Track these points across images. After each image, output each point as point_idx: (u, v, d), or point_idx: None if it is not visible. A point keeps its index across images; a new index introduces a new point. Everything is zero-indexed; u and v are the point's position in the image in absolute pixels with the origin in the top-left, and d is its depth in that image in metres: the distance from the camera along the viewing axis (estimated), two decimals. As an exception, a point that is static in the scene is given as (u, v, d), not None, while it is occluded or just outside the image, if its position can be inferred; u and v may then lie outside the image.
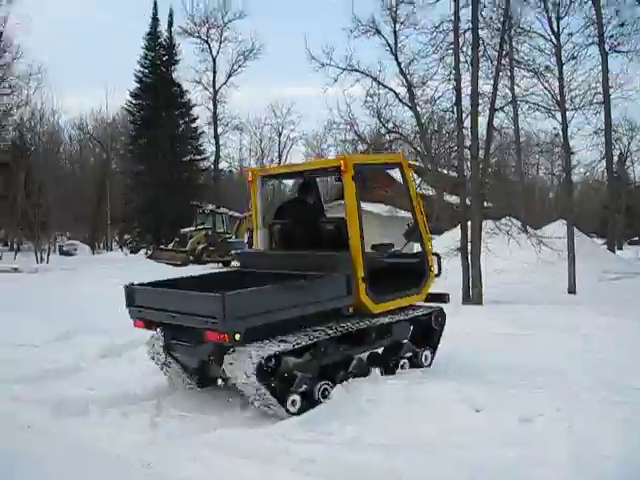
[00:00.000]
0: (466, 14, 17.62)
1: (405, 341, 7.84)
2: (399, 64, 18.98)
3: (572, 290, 18.73)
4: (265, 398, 6.09)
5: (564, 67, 20.84)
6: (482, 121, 18.28)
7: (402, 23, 18.83)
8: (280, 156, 72.57)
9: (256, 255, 8.30)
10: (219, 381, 6.89)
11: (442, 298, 8.25)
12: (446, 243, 18.71)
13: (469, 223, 17.23)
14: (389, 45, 19.10)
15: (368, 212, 33.68)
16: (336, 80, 19.30)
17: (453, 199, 23.32)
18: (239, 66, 48.62)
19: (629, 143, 45.57)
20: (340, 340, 6.86)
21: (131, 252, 39.65)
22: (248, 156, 74.18)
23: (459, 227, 18.30)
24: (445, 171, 22.08)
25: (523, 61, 19.10)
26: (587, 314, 12.87)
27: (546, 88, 20.94)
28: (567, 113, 20.56)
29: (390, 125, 20.18)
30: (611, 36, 26.12)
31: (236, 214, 38.79)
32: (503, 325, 11.55)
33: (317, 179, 8.75)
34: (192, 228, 33.50)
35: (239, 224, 35.42)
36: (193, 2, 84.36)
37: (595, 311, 12.03)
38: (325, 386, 6.52)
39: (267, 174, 8.72)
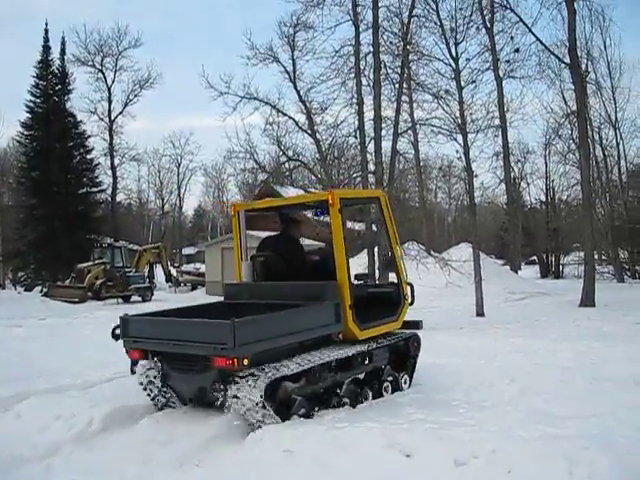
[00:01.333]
0: (367, 38, 17.57)
1: (386, 366, 8.10)
2: (298, 91, 18.73)
3: (480, 312, 18.66)
4: (270, 420, 6.26)
5: (464, 91, 20.95)
6: (385, 145, 18.18)
7: (300, 51, 18.62)
8: (179, 187, 71.61)
9: (242, 286, 8.40)
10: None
11: (416, 325, 8.66)
12: (352, 269, 18.39)
13: (376, 249, 16.96)
14: (288, 73, 18.85)
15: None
16: (235, 109, 18.95)
17: (358, 226, 23.11)
18: (135, 95, 47.71)
19: (523, 166, 46.77)
20: (330, 366, 7.07)
21: (25, 290, 37.56)
22: (147, 188, 72.85)
23: (363, 253, 18.01)
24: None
25: (424, 85, 19.08)
26: (500, 337, 12.71)
27: (447, 112, 21.02)
28: (468, 136, 20.58)
29: (290, 153, 19.87)
30: (507, 61, 26.61)
31: (135, 247, 37.59)
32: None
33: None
34: (90, 263, 32.00)
35: (139, 257, 34.25)
36: (86, 30, 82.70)
37: (507, 334, 11.80)
38: (321, 409, 6.87)
39: (250, 209, 8.98)
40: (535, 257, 56.11)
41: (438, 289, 21.67)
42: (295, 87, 18.77)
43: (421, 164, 33.21)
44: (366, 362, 7.72)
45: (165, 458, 5.76)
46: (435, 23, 20.46)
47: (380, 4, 17.48)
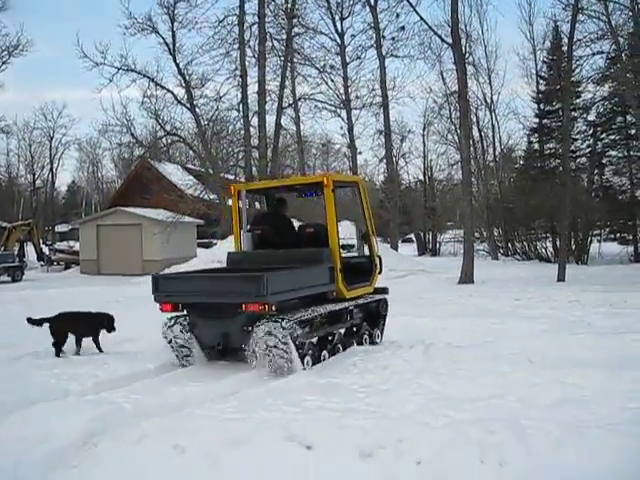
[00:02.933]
0: (252, 8, 16.94)
1: (362, 322, 9.72)
2: (177, 64, 17.98)
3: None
4: (291, 356, 7.66)
5: (349, 67, 20.73)
6: (269, 120, 17.69)
7: (181, 22, 17.82)
8: (52, 162, 68.47)
9: (244, 254, 9.68)
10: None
11: (384, 290, 10.32)
12: (230, 248, 17.91)
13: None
14: (167, 44, 18.02)
15: (150, 219, 32.14)
16: (111, 80, 18.05)
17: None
18: (3, 62, 44.80)
19: (402, 144, 47.31)
20: (327, 318, 8.68)
21: None
22: (16, 162, 69.27)
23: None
24: (230, 176, 21.25)
25: (310, 58, 18.67)
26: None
27: (331, 88, 20.74)
28: (352, 112, 20.39)
29: (169, 127, 19.09)
30: (392, 39, 26.59)
31: (4, 224, 35.56)
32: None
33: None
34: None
35: (8, 235, 32.44)
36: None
37: (392, 312, 11.55)
38: (325, 352, 8.52)
39: (249, 189, 10.50)
40: (412, 235, 57.09)
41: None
42: (174, 60, 18.05)
43: (303, 140, 32.96)
44: (348, 318, 9.27)
45: (37, 458, 5.06)
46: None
47: (267, -27, 16.91)
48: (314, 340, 8.35)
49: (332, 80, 20.63)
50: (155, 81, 18.20)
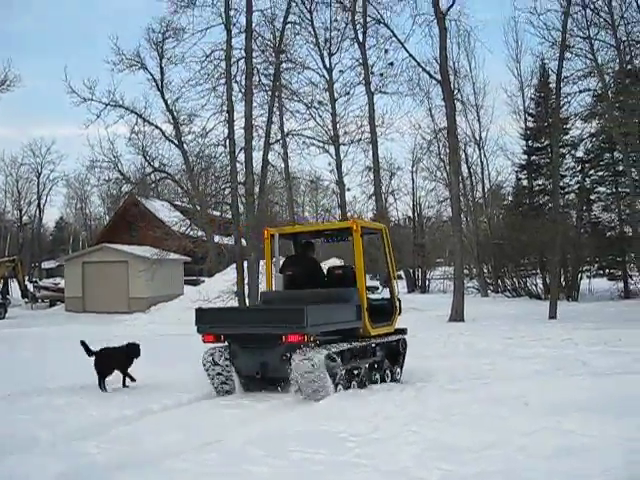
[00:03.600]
0: (240, 42, 16.80)
1: (384, 359, 10.22)
2: (165, 100, 17.74)
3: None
4: (326, 383, 8.31)
5: (337, 103, 20.57)
6: (256, 156, 17.44)
7: (169, 58, 17.64)
8: (39, 198, 67.99)
9: (277, 294, 10.30)
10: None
11: (403, 331, 10.80)
12: (218, 286, 17.53)
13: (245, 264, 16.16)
14: (155, 80, 17.80)
15: (136, 256, 31.65)
16: (98, 116, 17.72)
17: (227, 240, 22.18)
18: (-9, 98, 44.51)
19: (391, 182, 47.15)
20: (355, 352, 9.38)
21: None
22: (3, 197, 68.84)
23: (230, 268, 17.13)
24: (216, 212, 20.94)
25: (297, 93, 18.49)
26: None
27: (319, 124, 20.57)
28: (341, 148, 20.18)
29: (156, 164, 18.79)
30: (381, 74, 26.54)
31: (-11, 261, 35.11)
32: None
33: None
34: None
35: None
36: None
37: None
38: (354, 382, 9.07)
39: (282, 233, 10.83)
40: (401, 272, 56.70)
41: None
42: (162, 96, 17.79)
43: (291, 177, 32.77)
44: (373, 354, 9.91)
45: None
46: (310, 32, 19.99)
47: (254, 8, 16.77)
48: (343, 371, 8.88)
49: (320, 116, 20.49)
50: (143, 117, 18.00)
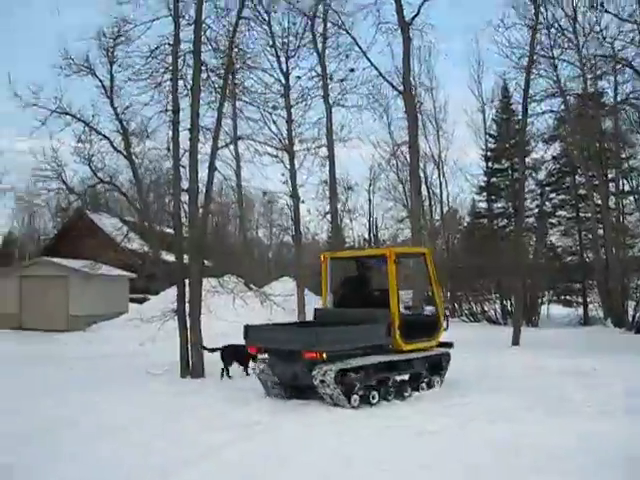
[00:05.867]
0: (188, 36, 15.29)
1: (423, 372, 11.27)
2: (114, 108, 16.13)
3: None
4: (338, 396, 9.55)
5: (293, 109, 19.19)
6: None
7: (120, 65, 16.08)
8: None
9: (328, 311, 11.74)
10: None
11: (449, 345, 11.84)
12: (160, 305, 15.95)
13: (187, 281, 14.59)
14: (104, 87, 16.20)
15: (77, 271, 29.44)
16: (44, 123, 16.01)
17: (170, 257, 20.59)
18: None
19: (347, 201, 45.88)
20: (382, 366, 10.35)
21: None
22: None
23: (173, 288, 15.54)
24: (169, 230, 19.45)
25: (250, 92, 16.96)
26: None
27: (273, 132, 19.18)
28: (296, 159, 18.77)
29: (102, 175, 17.15)
30: (341, 80, 25.32)
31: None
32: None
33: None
34: None
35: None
36: None
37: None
38: (374, 393, 10.04)
39: (334, 257, 12.43)
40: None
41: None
42: (112, 103, 16.17)
43: (243, 193, 31.29)
44: (409, 367, 10.97)
45: None
46: (266, 32, 18.63)
47: (205, -2, 15.28)
48: (365, 383, 10.01)
49: (274, 122, 19.04)
50: (90, 125, 16.27)
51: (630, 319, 27.95)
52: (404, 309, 12.02)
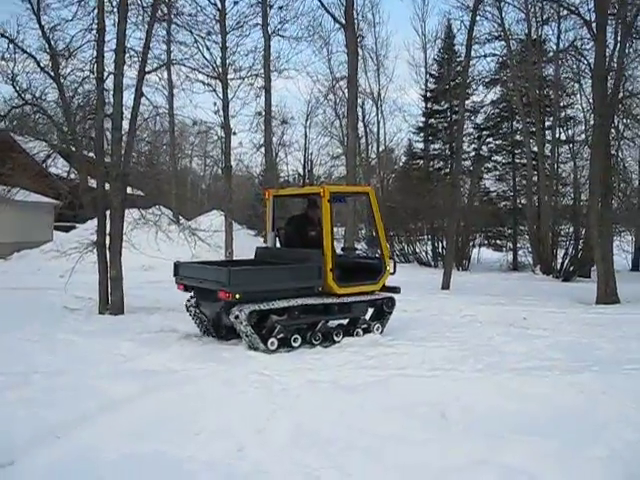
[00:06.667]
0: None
1: (361, 317, 10.91)
2: (42, 27, 14.80)
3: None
4: (253, 338, 9.41)
5: (228, 36, 18.16)
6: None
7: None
8: None
9: (266, 250, 11.50)
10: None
11: (395, 290, 11.35)
12: (87, 234, 15.08)
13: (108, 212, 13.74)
14: (31, 3, 14.83)
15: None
16: (-39, 39, 14.59)
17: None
18: None
19: (282, 134, 44.90)
20: (310, 309, 10.11)
21: None
22: None
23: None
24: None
25: (183, 18, 15.86)
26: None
27: (206, 58, 18.19)
28: (230, 87, 17.83)
29: (28, 96, 15.89)
30: (280, 8, 24.26)
31: None
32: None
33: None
34: None
35: None
36: None
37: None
38: (296, 335, 9.84)
39: (278, 194, 12.02)
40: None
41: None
42: (38, 20, 14.82)
43: (175, 122, 30.13)
44: (346, 311, 10.60)
45: None
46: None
47: None
48: (290, 326, 9.80)
49: (208, 49, 17.98)
50: (15, 43, 14.92)
51: (558, 267, 28.23)
52: (342, 250, 11.91)
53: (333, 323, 10.58)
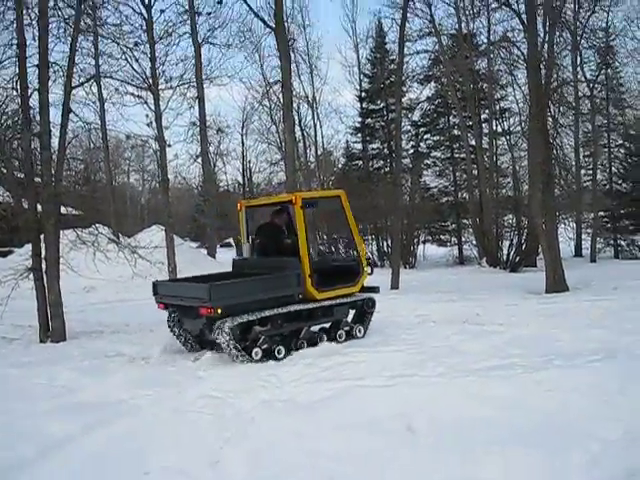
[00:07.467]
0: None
1: (344, 319, 10.97)
2: None
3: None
4: (236, 350, 9.36)
5: (157, 46, 17.64)
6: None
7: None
8: None
9: (243, 261, 11.49)
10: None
11: (374, 289, 11.52)
12: (24, 259, 14.37)
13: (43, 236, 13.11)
14: None
15: None
16: None
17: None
18: None
19: (219, 143, 44.33)
20: (293, 317, 10.16)
21: None
22: None
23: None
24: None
25: (108, 29, 15.32)
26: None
27: (135, 70, 17.65)
28: (161, 98, 17.31)
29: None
30: (209, 14, 23.87)
31: None
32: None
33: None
34: None
35: None
36: None
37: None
38: (280, 347, 9.73)
39: (250, 205, 11.92)
40: (231, 239, 54.24)
41: (124, 282, 18.33)
42: None
43: (109, 137, 29.36)
44: (325, 315, 10.63)
45: None
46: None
47: None
48: (275, 335, 9.84)
49: (137, 60, 17.44)
50: None
51: (505, 258, 28.38)
52: (318, 256, 12.22)
53: (316, 328, 10.66)
